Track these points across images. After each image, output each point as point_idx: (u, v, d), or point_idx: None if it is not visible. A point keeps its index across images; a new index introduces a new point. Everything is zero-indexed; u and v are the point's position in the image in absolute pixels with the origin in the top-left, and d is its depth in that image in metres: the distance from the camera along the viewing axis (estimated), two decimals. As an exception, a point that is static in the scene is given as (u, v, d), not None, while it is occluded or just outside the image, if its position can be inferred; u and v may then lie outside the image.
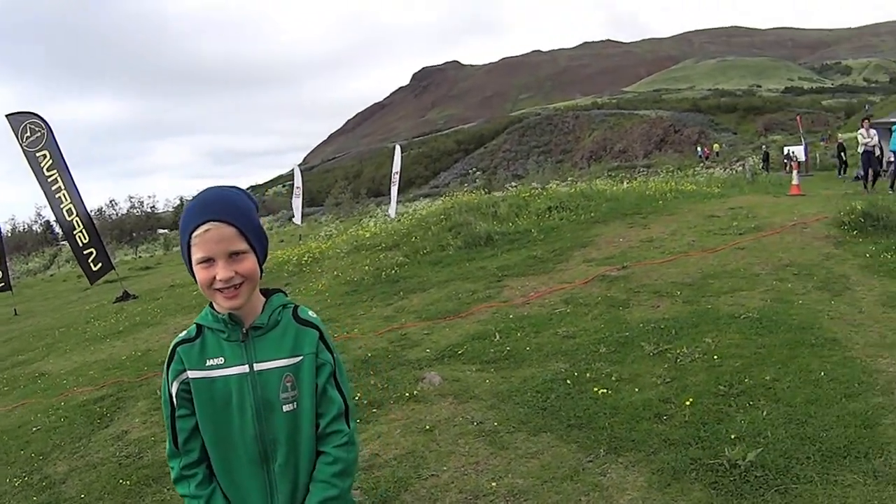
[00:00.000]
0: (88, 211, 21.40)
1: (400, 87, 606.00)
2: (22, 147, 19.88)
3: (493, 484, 5.33)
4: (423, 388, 7.53)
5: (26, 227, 78.30)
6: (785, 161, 45.38)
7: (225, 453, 2.60)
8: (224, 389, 2.56)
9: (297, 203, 39.01)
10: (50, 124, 19.99)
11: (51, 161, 19.89)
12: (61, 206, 20.17)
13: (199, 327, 2.64)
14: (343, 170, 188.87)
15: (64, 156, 20.18)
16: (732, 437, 5.47)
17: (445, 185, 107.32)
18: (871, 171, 24.24)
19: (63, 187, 19.99)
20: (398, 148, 35.22)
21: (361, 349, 9.52)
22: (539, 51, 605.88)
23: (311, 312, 2.74)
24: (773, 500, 4.65)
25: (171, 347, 2.64)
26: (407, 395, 7.37)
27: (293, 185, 41.04)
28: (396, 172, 33.29)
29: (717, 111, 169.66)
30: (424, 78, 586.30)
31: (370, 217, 38.08)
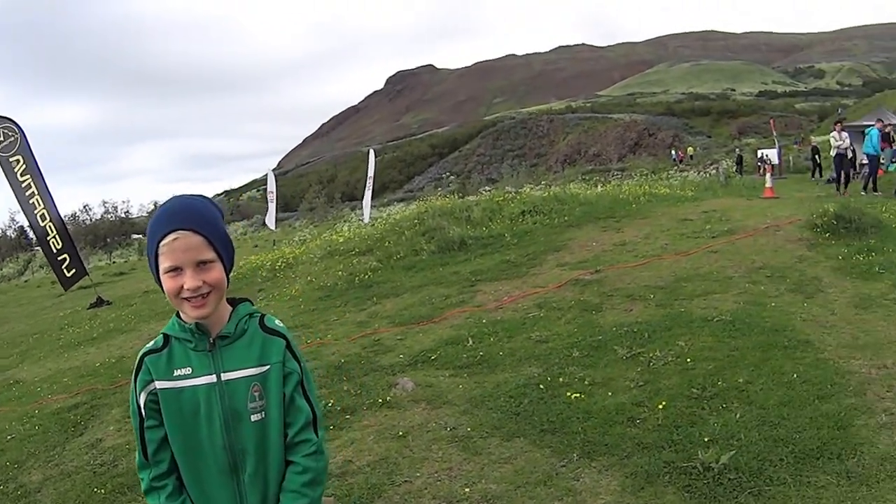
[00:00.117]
0: (62, 216, 21.19)
1: (375, 91, 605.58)
2: (-5, 152, 19.67)
3: (467, 490, 5.31)
4: (397, 394, 7.50)
5: (0, 232, 77.65)
6: (759, 164, 45.59)
7: (194, 464, 2.59)
8: (192, 399, 2.55)
9: (270, 208, 38.85)
10: (23, 129, 19.78)
11: (24, 166, 19.66)
12: (35, 211, 19.94)
13: (166, 337, 2.63)
14: (317, 174, 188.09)
15: (37, 161, 19.98)
16: (706, 439, 5.48)
17: (420, 189, 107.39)
18: (843, 174, 24.40)
19: (36, 192, 19.78)
20: (372, 152, 35.18)
21: (335, 355, 9.46)
22: (514, 55, 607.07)
23: (277, 321, 2.74)
24: (747, 503, 4.66)
25: (138, 358, 2.62)
26: (380, 401, 7.34)
27: (267, 189, 40.91)
28: (370, 177, 33.25)
29: (692, 115, 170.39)
30: (399, 82, 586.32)
31: (344, 222, 37.97)
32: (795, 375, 6.56)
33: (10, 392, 11.22)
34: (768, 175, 24.91)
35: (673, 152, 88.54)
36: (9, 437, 8.56)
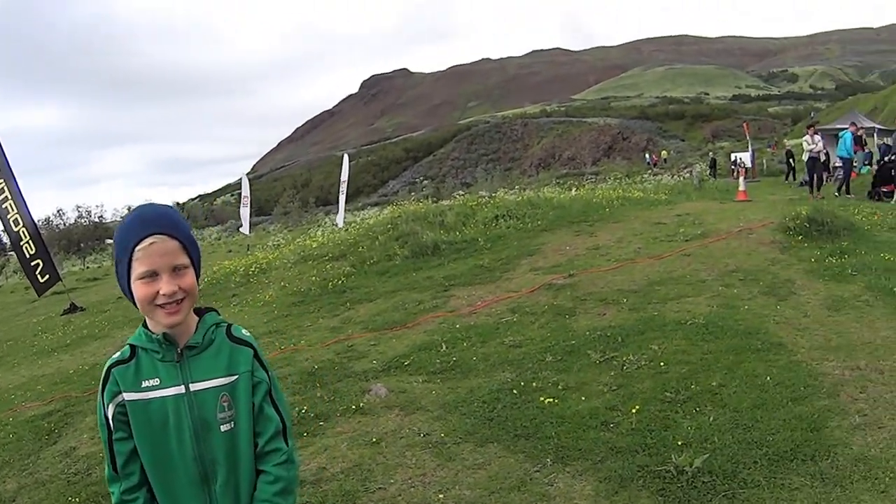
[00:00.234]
0: (35, 221, 21.04)
1: (349, 95, 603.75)
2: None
3: (441, 496, 5.29)
4: (370, 400, 7.46)
5: (-27, 237, 76.96)
6: (732, 167, 45.92)
7: (165, 475, 2.55)
8: (160, 411, 2.52)
9: (244, 213, 38.71)
10: (-4, 133, 19.61)
11: (-3, 171, 19.50)
12: (8, 216, 19.76)
13: (133, 348, 2.59)
14: (292, 178, 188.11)
15: (10, 165, 19.80)
16: (679, 443, 5.48)
17: (394, 193, 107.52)
18: (816, 177, 24.58)
19: (10, 197, 19.60)
20: (346, 157, 35.10)
21: (308, 361, 9.40)
22: (488, 59, 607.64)
23: (244, 331, 2.73)
24: (721, 507, 4.65)
25: (105, 369, 2.58)
26: (353, 407, 7.29)
27: (241, 194, 40.79)
28: (344, 181, 33.18)
29: (666, 118, 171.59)
30: (373, 86, 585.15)
31: (318, 226, 37.92)
32: (769, 378, 6.58)
33: (-15, 399, 11.11)
34: (741, 178, 25.14)
35: (647, 156, 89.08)
36: (-17, 446, 8.47)
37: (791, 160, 37.27)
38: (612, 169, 69.57)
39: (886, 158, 23.39)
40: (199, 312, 2.67)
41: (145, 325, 2.58)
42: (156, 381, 2.52)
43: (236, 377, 2.57)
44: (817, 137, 25.01)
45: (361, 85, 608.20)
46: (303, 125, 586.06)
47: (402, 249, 16.30)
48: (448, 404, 7.12)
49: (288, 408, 2.78)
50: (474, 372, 8.05)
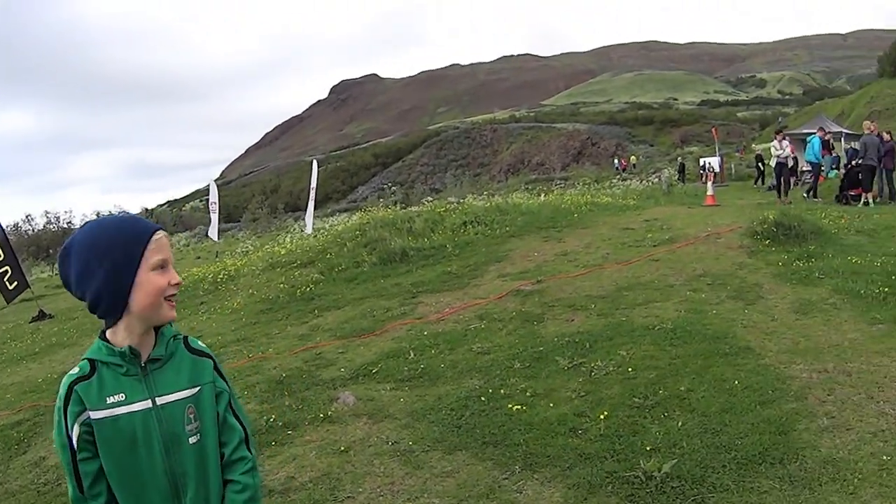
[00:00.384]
0: (3, 227, 20.85)
1: (318, 101, 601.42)
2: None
3: (409, 504, 5.25)
4: (338, 409, 7.42)
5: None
6: (701, 172, 46.16)
7: (134, 492, 2.49)
8: (129, 427, 2.46)
9: (213, 219, 38.47)
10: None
11: (-37, 177, 19.29)
12: (-25, 223, 19.59)
13: (92, 362, 2.53)
14: (261, 184, 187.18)
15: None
16: (648, 448, 5.49)
17: (363, 199, 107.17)
18: (784, 182, 24.76)
19: (-23, 203, 19.45)
20: (315, 163, 34.94)
21: (276, 369, 9.34)
22: (458, 64, 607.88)
23: (199, 342, 2.72)
24: (690, 512, 4.65)
25: (65, 387, 2.51)
26: (322, 415, 7.25)
27: (210, 200, 40.54)
28: (313, 188, 33.02)
29: (635, 124, 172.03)
30: (343, 91, 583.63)
31: (287, 233, 37.73)
32: (737, 382, 6.61)
33: (-46, 409, 10.97)
34: (710, 183, 25.25)
35: (616, 161, 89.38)
36: (-49, 456, 8.36)
37: (761, 164, 37.59)
38: (581, 174, 69.86)
39: (854, 162, 23.59)
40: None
41: (103, 338, 2.53)
42: (121, 397, 2.46)
43: (199, 388, 2.56)
44: (786, 143, 25.21)
45: (331, 90, 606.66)
46: (272, 130, 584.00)
47: (370, 256, 16.25)
48: (416, 412, 7.09)
49: (247, 416, 2.78)
50: (442, 379, 8.03)
